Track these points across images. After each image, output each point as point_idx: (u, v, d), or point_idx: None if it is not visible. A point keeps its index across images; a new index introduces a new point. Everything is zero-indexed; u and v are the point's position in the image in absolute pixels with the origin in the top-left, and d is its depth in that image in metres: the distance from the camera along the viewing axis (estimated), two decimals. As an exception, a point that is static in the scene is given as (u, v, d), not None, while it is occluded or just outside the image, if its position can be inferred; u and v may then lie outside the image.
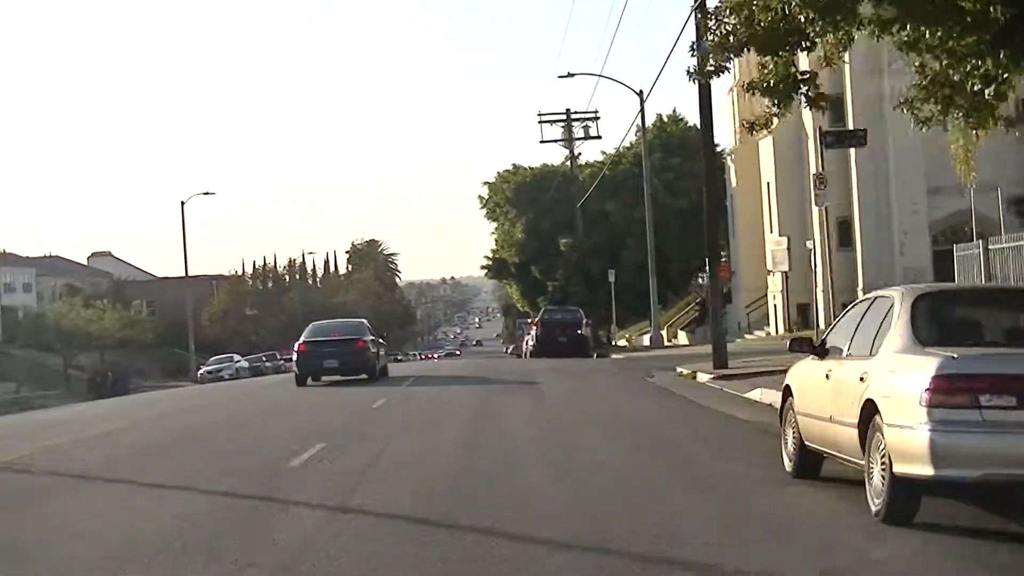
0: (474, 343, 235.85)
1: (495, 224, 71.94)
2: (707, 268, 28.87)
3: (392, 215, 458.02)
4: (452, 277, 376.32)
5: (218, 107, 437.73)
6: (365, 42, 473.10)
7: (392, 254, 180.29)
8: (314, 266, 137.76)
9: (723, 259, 68.19)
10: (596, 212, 64.12)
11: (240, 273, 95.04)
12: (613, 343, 62.99)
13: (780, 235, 49.12)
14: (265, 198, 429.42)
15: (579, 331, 47.36)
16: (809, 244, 39.32)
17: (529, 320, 62.12)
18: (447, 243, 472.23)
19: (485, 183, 71.93)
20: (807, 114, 36.57)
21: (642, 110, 47.92)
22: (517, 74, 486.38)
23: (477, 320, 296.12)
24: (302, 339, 30.70)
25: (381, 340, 33.18)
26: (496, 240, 71.98)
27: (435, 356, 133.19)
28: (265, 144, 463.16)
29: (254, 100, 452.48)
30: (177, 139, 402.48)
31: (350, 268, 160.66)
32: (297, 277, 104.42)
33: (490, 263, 72.91)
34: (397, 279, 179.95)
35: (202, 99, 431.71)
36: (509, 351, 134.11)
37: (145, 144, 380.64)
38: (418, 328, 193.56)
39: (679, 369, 27.86)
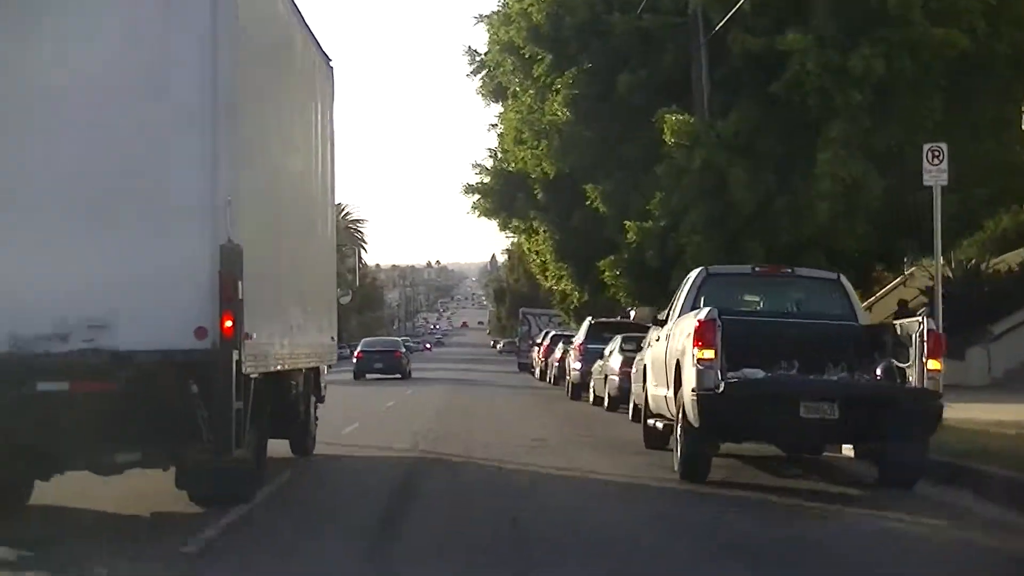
0: (460, 324, 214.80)
1: (500, 107, 33.89)
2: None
3: (376, 188, 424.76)
4: (438, 261, 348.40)
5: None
6: None
7: (357, 220, 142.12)
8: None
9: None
10: (748, 58, 26.12)
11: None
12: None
13: None
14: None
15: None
16: None
17: (628, 315, 24.69)
18: (434, 225, 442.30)
19: (480, 19, 32.48)
20: None
21: None
22: None
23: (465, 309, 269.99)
24: (359, 349, 44.03)
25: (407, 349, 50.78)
26: (502, 133, 33.42)
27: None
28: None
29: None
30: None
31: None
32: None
33: (482, 182, 34.52)
34: (362, 251, 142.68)
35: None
36: (500, 348, 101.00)
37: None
38: (389, 312, 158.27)
39: None
